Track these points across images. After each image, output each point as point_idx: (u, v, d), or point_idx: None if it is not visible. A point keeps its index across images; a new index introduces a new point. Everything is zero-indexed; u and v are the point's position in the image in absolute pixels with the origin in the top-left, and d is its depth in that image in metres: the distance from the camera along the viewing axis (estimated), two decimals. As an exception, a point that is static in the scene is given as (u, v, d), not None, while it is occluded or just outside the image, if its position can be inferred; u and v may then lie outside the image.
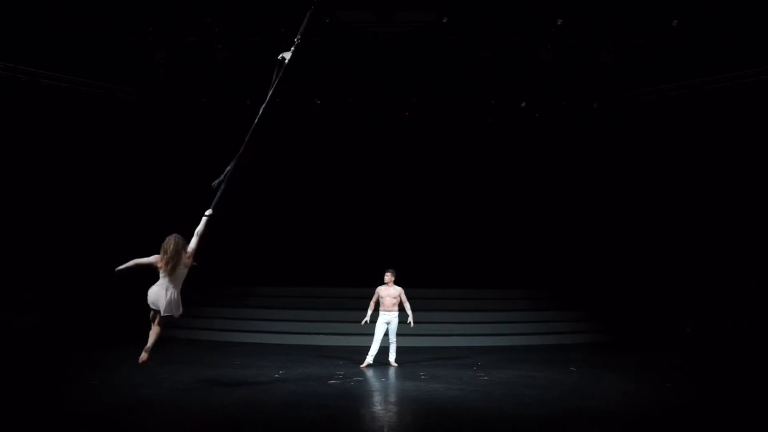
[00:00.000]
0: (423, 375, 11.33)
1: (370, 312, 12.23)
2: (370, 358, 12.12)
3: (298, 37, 10.09)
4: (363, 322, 12.27)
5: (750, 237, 15.07)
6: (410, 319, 12.16)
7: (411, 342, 14.02)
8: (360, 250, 18.60)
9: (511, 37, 16.64)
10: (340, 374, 11.24)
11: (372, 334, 12.27)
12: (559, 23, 15.70)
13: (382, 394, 10.31)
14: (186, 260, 9.16)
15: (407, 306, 12.20)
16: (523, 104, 17.78)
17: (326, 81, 17.97)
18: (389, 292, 12.24)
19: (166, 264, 9.05)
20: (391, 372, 11.79)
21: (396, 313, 12.20)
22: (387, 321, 12.20)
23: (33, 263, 15.23)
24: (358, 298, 14.12)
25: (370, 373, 11.59)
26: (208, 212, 9.40)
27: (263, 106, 10.15)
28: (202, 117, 18.33)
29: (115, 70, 16.56)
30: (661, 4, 15.39)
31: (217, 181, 9.57)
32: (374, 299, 12.31)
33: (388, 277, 12.32)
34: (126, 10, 15.71)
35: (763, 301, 14.68)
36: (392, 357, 12.33)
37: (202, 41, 16.60)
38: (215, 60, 16.79)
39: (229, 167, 9.71)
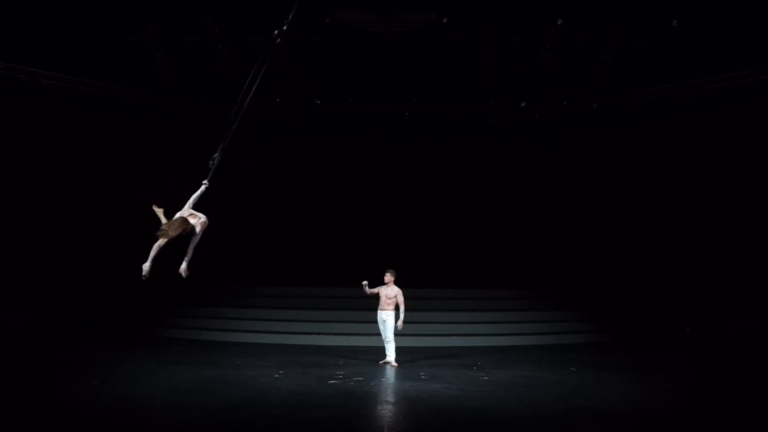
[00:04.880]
0: (423, 375, 11.32)
1: (368, 290, 12.35)
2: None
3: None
4: (364, 283, 12.32)
5: (750, 237, 15.07)
6: (400, 321, 12.24)
7: (411, 342, 14.02)
8: (360, 249, 18.60)
9: (511, 37, 16.63)
10: (340, 374, 11.24)
11: (375, 334, 12.38)
12: (559, 23, 15.68)
13: (382, 394, 10.31)
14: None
15: (401, 308, 12.30)
16: (523, 104, 17.77)
17: (326, 81, 17.96)
18: (386, 292, 12.37)
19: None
20: (391, 372, 11.79)
21: (392, 312, 12.29)
22: (383, 319, 12.33)
23: (32, 263, 15.23)
24: (358, 298, 14.13)
25: (370, 373, 11.58)
26: (205, 182, 9.97)
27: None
28: (202, 117, 18.31)
29: (115, 70, 16.55)
30: (661, 4, 15.38)
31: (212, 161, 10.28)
32: (374, 291, 12.42)
33: (388, 277, 12.43)
34: (126, 10, 15.69)
35: (762, 301, 14.68)
36: (390, 357, 12.37)
37: (202, 41, 16.59)
38: (215, 60, 16.78)
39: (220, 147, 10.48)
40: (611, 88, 16.87)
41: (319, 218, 19.40)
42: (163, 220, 9.67)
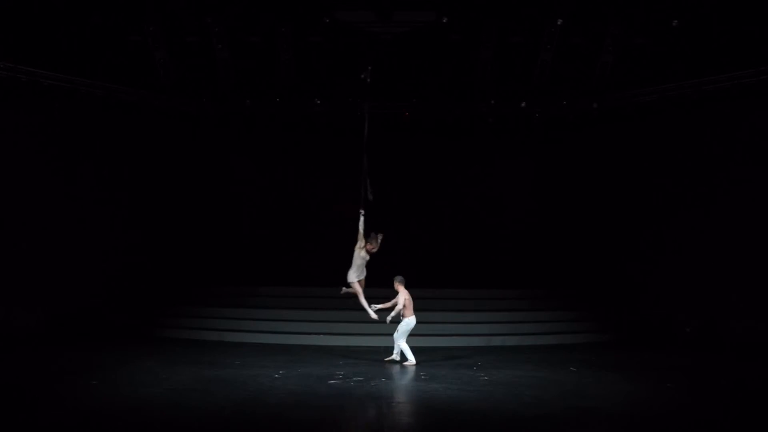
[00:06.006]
0: (423, 375, 11.33)
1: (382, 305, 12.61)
2: (397, 356, 12.59)
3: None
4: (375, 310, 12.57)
5: (750, 236, 15.08)
6: (389, 317, 12.39)
7: (411, 342, 13.93)
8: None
9: (511, 37, 16.63)
10: (340, 374, 11.24)
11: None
12: (559, 23, 15.68)
13: (382, 394, 10.31)
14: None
15: (397, 307, 12.40)
16: (523, 104, 17.77)
17: (326, 81, 17.95)
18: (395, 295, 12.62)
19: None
20: (391, 372, 11.80)
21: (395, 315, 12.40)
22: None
23: (33, 262, 15.24)
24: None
25: (370, 373, 11.58)
26: (362, 212, 12.20)
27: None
28: (202, 117, 18.32)
29: (115, 70, 16.56)
30: (661, 4, 15.38)
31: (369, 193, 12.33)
32: (388, 305, 12.65)
33: (395, 285, 12.62)
34: (126, 10, 15.69)
35: (762, 301, 14.69)
36: (395, 356, 12.54)
37: (202, 41, 16.59)
38: (215, 60, 16.78)
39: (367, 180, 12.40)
40: (611, 88, 16.88)
41: (319, 218, 19.37)
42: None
